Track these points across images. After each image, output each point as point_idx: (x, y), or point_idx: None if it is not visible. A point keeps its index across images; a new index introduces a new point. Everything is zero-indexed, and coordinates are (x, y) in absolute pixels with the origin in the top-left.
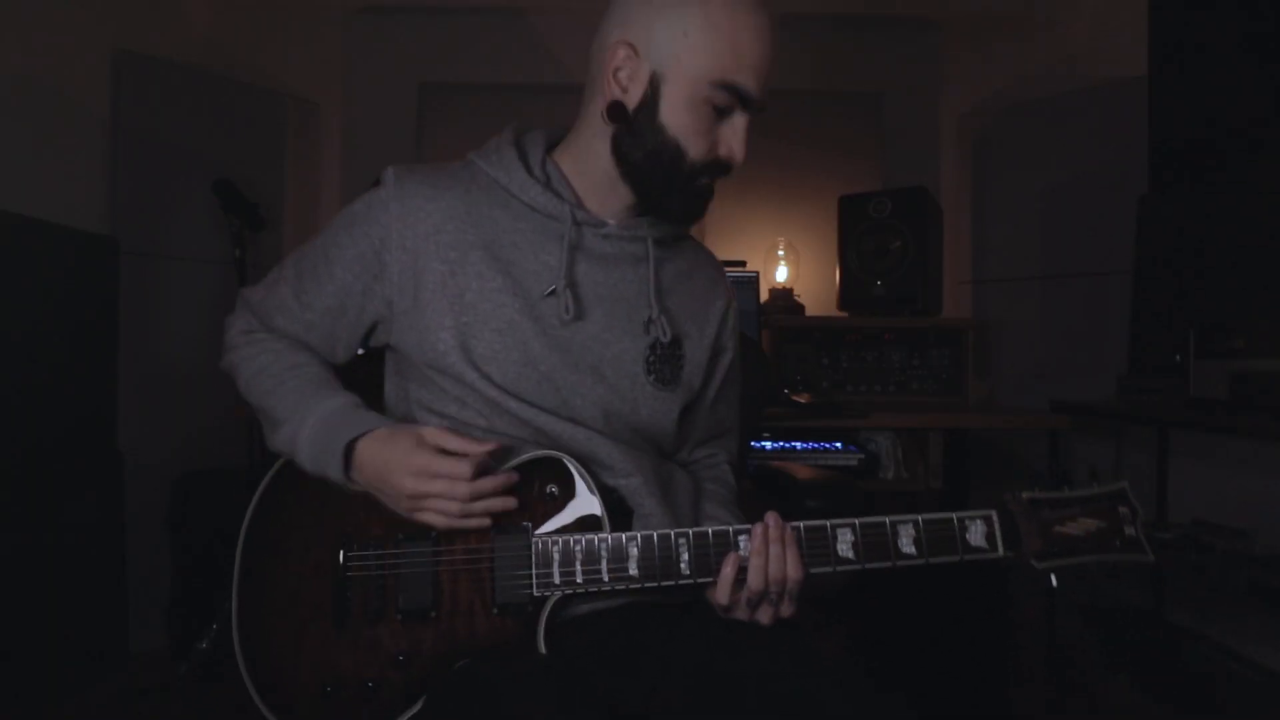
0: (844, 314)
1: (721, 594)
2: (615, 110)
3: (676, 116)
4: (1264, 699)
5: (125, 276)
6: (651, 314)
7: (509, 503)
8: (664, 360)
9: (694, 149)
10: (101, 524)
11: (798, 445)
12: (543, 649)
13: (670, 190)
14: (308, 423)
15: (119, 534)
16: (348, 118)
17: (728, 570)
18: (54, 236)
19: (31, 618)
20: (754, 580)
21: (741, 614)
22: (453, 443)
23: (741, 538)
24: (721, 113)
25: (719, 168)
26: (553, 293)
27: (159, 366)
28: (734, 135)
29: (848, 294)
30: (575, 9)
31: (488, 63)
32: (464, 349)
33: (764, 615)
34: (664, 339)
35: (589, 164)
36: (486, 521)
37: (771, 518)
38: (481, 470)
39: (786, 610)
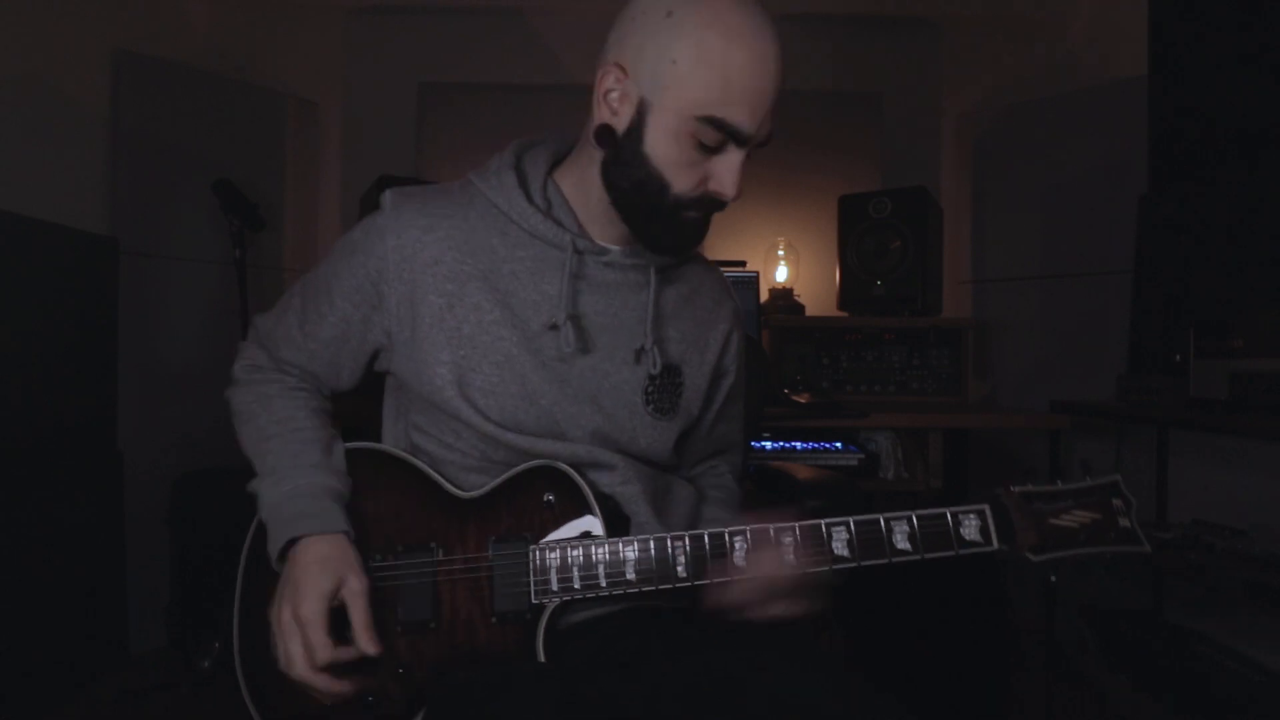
0: (844, 314)
1: (742, 592)
2: (603, 134)
3: (661, 148)
4: (1264, 699)
5: (125, 276)
6: (645, 343)
7: (341, 697)
8: (663, 390)
9: (679, 182)
10: (101, 524)
11: (798, 445)
12: (542, 656)
13: (654, 223)
14: (278, 489)
15: (119, 534)
16: (348, 118)
17: (753, 570)
18: (54, 236)
19: (31, 618)
20: (761, 579)
21: (756, 612)
22: (357, 617)
23: (737, 539)
24: (709, 149)
25: (708, 203)
26: (554, 326)
27: (159, 366)
28: (725, 171)
29: (847, 294)
30: (575, 9)
31: (488, 63)
32: (460, 384)
33: (777, 608)
34: (653, 370)
35: (588, 187)
36: (324, 688)
37: (773, 517)
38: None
39: (796, 608)
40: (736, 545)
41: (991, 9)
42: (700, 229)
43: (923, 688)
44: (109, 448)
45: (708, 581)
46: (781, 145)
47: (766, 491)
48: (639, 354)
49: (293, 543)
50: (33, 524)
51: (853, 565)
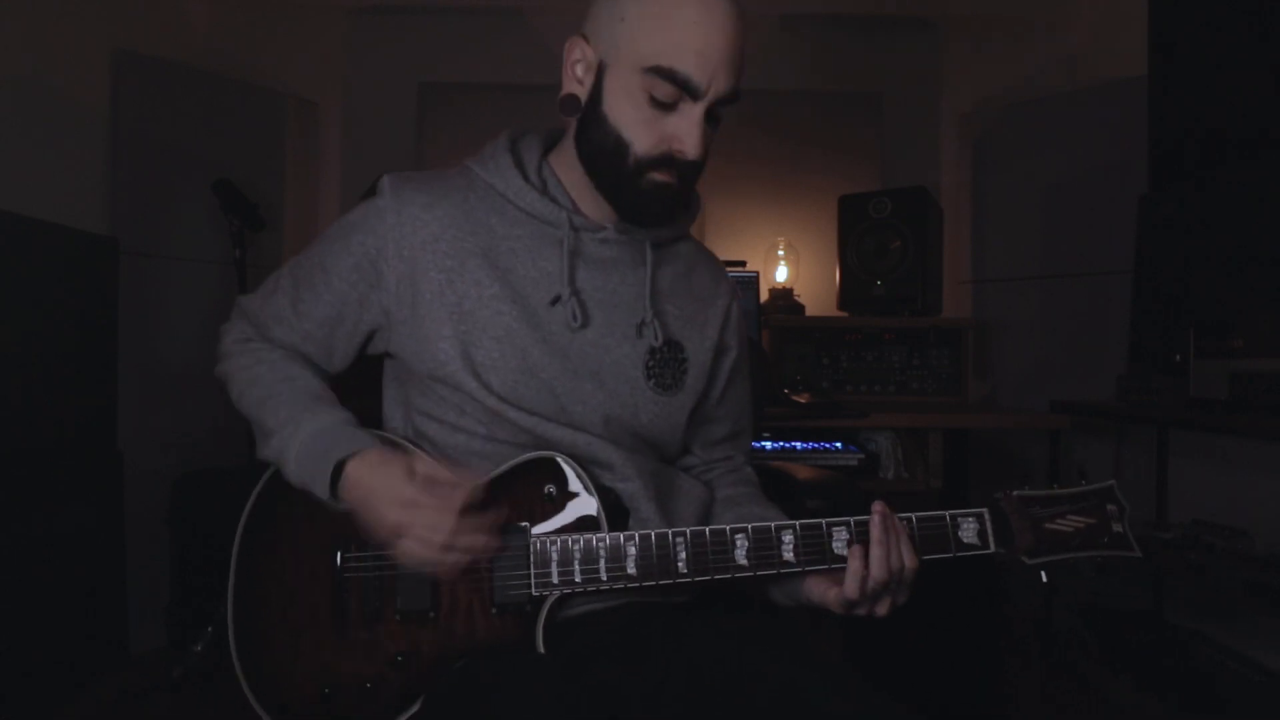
0: (844, 314)
1: (852, 588)
2: (567, 103)
3: (617, 107)
4: (1264, 699)
5: (125, 276)
6: (645, 317)
7: (492, 542)
8: (664, 364)
9: (639, 141)
10: (101, 524)
11: (798, 445)
12: (541, 648)
13: (623, 187)
14: (298, 436)
15: (119, 534)
16: (348, 118)
17: (856, 564)
18: (54, 236)
19: (31, 618)
20: (878, 571)
21: (864, 609)
22: (443, 475)
23: (738, 536)
24: (665, 105)
25: (670, 163)
26: (557, 300)
27: (159, 367)
28: (685, 128)
29: (848, 294)
30: (575, 9)
31: (488, 63)
32: (465, 358)
33: (883, 607)
34: (655, 343)
35: (578, 167)
36: (465, 558)
37: (881, 507)
38: (470, 505)
39: (901, 598)
40: (785, 539)
41: (991, 9)
42: (671, 194)
43: (921, 686)
44: (109, 448)
45: (709, 578)
46: (781, 145)
47: (766, 492)
48: (640, 328)
49: (338, 474)
50: (33, 524)
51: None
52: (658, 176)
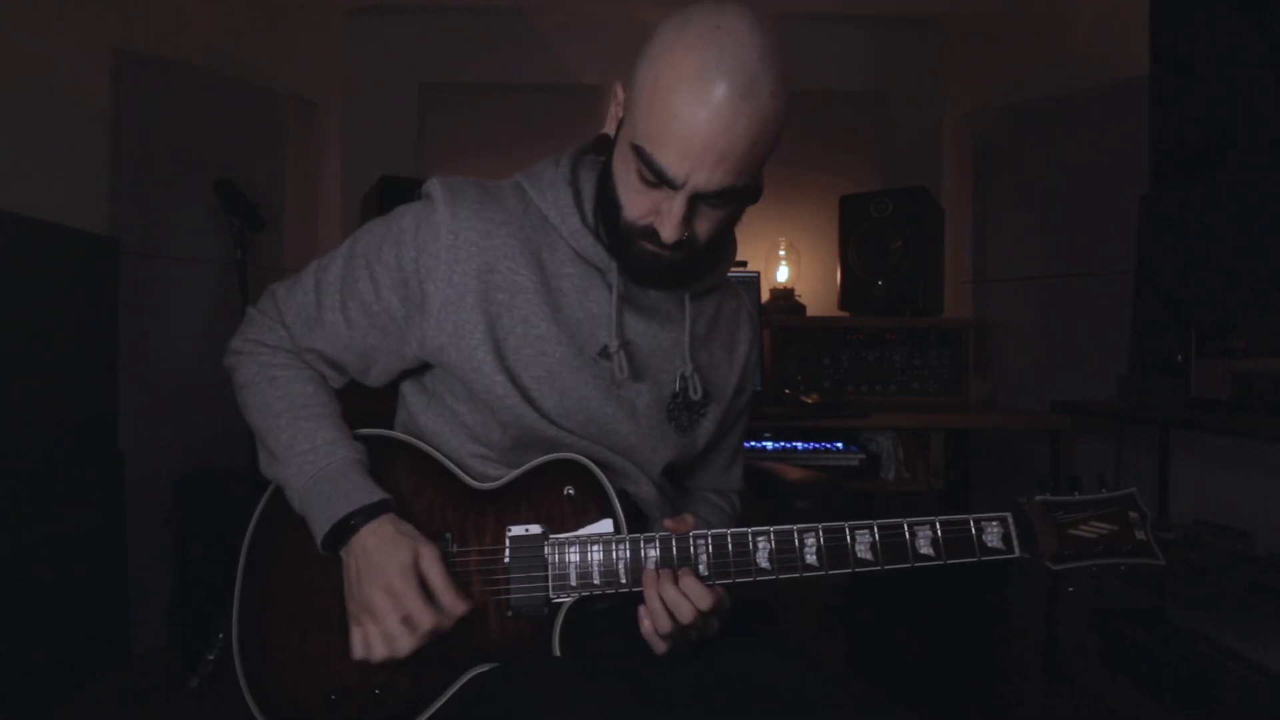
0: (845, 314)
1: (645, 627)
2: (598, 142)
3: (618, 168)
4: (1264, 699)
5: (125, 276)
6: (686, 371)
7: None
8: (684, 408)
9: (629, 208)
10: (103, 524)
11: (799, 446)
12: (557, 652)
13: (616, 245)
14: (302, 476)
15: (120, 534)
16: (348, 118)
17: (645, 623)
18: (54, 236)
19: (32, 618)
20: (660, 623)
21: (659, 646)
22: (443, 594)
23: (760, 539)
24: (650, 183)
25: (656, 237)
26: (604, 351)
27: (160, 367)
28: (666, 211)
29: (849, 294)
30: (575, 9)
31: (488, 63)
32: (520, 390)
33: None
34: (694, 396)
35: None
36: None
37: (671, 525)
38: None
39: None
40: (759, 545)
41: (992, 9)
42: (663, 264)
43: (924, 686)
44: (110, 448)
45: (731, 580)
46: (782, 145)
47: (755, 493)
48: (680, 379)
49: (341, 529)
50: (34, 524)
51: (876, 569)
52: (647, 245)
